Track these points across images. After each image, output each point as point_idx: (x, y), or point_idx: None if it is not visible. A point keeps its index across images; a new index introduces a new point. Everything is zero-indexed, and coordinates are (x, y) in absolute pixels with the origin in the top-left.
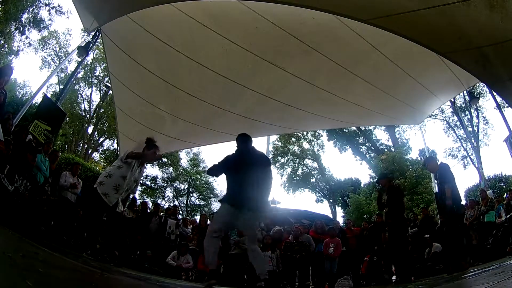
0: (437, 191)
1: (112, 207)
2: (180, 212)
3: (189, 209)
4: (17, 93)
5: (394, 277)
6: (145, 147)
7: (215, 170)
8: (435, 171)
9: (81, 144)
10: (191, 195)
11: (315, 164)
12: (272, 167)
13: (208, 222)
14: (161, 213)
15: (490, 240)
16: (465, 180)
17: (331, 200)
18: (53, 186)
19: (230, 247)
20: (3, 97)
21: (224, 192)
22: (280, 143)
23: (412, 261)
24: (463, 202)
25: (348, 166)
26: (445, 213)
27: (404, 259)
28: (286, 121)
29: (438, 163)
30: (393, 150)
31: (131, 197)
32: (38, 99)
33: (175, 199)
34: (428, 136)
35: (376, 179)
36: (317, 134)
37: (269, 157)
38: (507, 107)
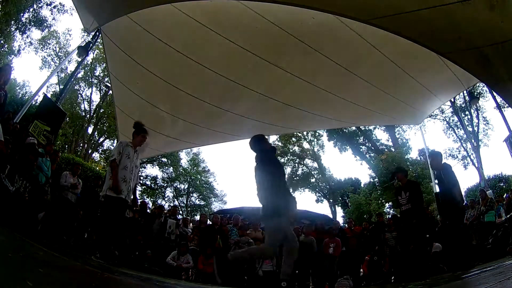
0: (438, 190)
1: (126, 201)
2: (180, 212)
3: (189, 209)
4: (17, 93)
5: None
6: (134, 132)
7: None
8: (438, 169)
9: (81, 144)
10: (191, 195)
11: (315, 164)
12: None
13: (209, 222)
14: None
15: (490, 240)
16: (465, 180)
17: (331, 200)
18: (53, 186)
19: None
20: (4, 97)
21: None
22: (280, 143)
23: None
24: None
25: (348, 166)
26: (450, 213)
27: (422, 259)
28: (286, 121)
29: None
30: (393, 150)
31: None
32: (38, 99)
33: (175, 199)
34: (428, 136)
35: (393, 172)
36: (317, 134)
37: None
38: (507, 107)
